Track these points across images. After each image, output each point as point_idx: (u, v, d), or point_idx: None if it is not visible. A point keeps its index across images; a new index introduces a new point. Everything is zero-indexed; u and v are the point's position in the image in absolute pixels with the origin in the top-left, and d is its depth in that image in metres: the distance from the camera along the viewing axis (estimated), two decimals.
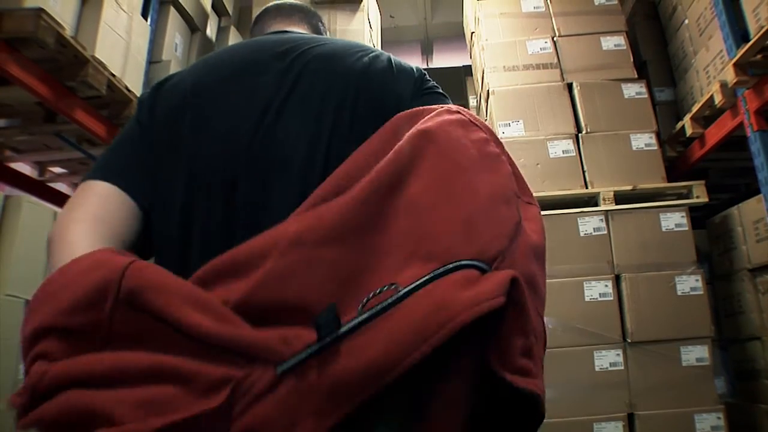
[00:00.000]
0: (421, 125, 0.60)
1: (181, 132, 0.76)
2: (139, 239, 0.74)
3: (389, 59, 0.84)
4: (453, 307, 0.43)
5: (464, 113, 0.64)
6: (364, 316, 0.45)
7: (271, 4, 1.08)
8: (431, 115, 0.63)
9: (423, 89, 0.82)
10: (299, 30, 0.98)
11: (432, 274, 0.47)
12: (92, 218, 0.69)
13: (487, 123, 3.40)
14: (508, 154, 0.64)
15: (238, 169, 0.73)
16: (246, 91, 0.78)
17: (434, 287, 0.46)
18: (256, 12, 3.33)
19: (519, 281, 0.47)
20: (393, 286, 0.47)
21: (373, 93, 0.78)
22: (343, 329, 0.44)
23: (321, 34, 1.06)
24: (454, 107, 0.65)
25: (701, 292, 2.40)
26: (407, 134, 0.59)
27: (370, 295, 0.47)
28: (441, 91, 0.84)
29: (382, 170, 0.56)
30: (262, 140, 0.74)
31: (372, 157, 0.61)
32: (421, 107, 0.67)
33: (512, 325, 0.47)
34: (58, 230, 0.68)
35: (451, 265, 0.47)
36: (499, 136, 2.41)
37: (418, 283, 0.46)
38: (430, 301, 0.45)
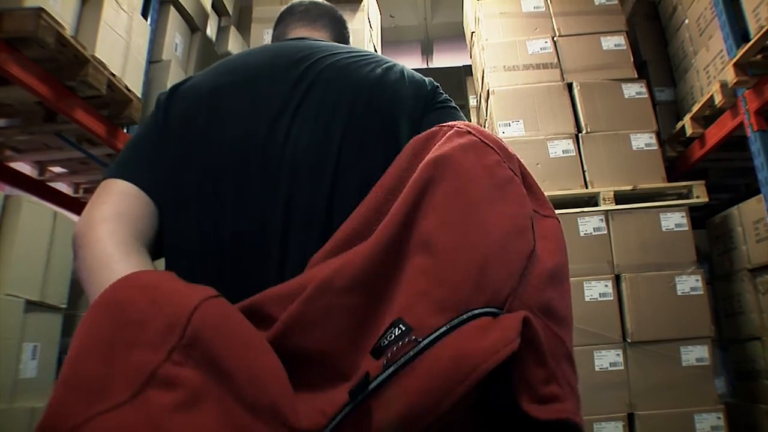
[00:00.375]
0: (432, 153, 0.61)
1: (195, 134, 0.78)
2: (156, 236, 0.76)
3: (402, 71, 0.85)
4: (474, 357, 0.46)
5: (475, 133, 0.64)
6: (390, 370, 0.47)
7: (298, 1, 1.06)
8: (443, 140, 0.63)
9: (435, 103, 0.82)
10: (320, 37, 0.98)
11: (448, 326, 0.49)
12: (116, 216, 0.70)
13: (487, 123, 3.35)
14: (521, 167, 0.65)
15: (249, 174, 0.74)
16: (260, 97, 0.79)
17: (452, 338, 0.49)
18: (256, 12, 3.33)
19: (530, 321, 0.50)
20: (412, 338, 0.49)
21: (384, 104, 0.78)
22: (372, 385, 0.46)
23: (345, 41, 1.05)
24: (464, 126, 0.65)
25: (701, 292, 2.40)
26: (420, 165, 0.60)
27: (386, 342, 0.49)
28: (453, 104, 0.84)
29: (399, 210, 0.57)
30: (273, 146, 0.75)
31: (392, 189, 0.62)
32: (434, 129, 0.67)
33: (529, 361, 0.50)
34: (85, 228, 0.69)
35: (465, 316, 0.50)
36: (499, 136, 2.39)
37: (436, 335, 0.49)
38: (451, 353, 0.47)
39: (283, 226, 0.71)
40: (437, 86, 0.86)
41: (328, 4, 1.09)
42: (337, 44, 0.92)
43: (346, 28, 1.08)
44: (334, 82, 0.79)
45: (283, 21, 1.05)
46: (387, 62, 0.86)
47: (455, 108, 0.84)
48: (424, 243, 0.55)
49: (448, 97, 0.86)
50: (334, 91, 0.78)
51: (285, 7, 1.08)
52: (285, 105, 0.77)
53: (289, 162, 0.73)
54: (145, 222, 0.73)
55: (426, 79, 0.86)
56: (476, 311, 0.50)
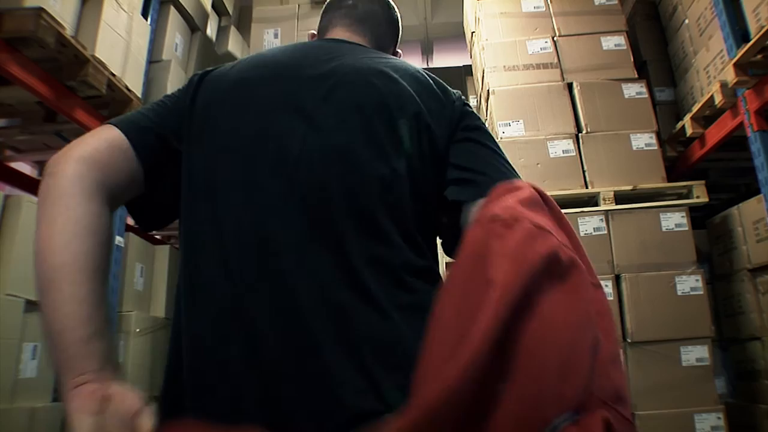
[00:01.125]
0: (495, 269, 0.56)
1: (217, 122, 0.79)
2: (128, 192, 0.77)
3: (430, 81, 0.85)
4: None
5: (524, 217, 0.60)
6: None
7: None
8: (497, 242, 0.58)
9: (464, 127, 0.82)
10: (359, 41, 0.96)
11: None
12: (92, 161, 0.72)
13: (487, 123, 3.33)
14: (568, 228, 0.63)
15: (258, 172, 0.74)
16: (281, 94, 0.79)
17: None
18: (256, 12, 3.33)
19: (611, 424, 0.50)
20: None
21: (406, 112, 0.78)
22: None
23: (388, 46, 1.02)
24: (507, 214, 0.61)
25: (701, 292, 2.40)
26: (488, 286, 0.55)
27: None
28: (481, 124, 0.84)
29: (481, 336, 0.52)
30: (289, 147, 0.75)
31: (459, 310, 0.57)
32: (479, 217, 0.63)
33: None
34: (58, 159, 0.71)
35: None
36: (499, 136, 2.40)
37: None
38: None
39: (293, 226, 0.71)
40: (465, 103, 0.86)
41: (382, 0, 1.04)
42: (369, 49, 0.92)
43: (395, 29, 1.05)
44: (358, 86, 0.79)
45: (327, 14, 1.02)
46: (413, 70, 0.86)
47: (485, 132, 0.83)
48: (503, 362, 0.52)
49: (477, 116, 0.85)
50: (356, 95, 0.78)
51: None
52: (305, 105, 0.78)
53: (305, 163, 0.73)
54: (120, 176, 0.74)
55: (454, 92, 0.86)
56: (555, 423, 0.49)
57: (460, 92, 0.87)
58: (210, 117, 0.79)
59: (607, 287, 2.43)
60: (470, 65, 4.05)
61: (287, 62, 0.84)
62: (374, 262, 0.70)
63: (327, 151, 0.74)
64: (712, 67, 2.68)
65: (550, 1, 3.06)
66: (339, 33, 0.98)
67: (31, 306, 2.11)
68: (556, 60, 2.92)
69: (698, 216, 2.79)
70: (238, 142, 0.76)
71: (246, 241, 0.71)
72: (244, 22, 3.78)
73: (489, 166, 0.78)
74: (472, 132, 0.82)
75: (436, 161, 0.79)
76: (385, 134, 0.76)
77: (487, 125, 3.62)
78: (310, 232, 0.70)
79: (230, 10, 3.70)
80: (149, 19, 2.74)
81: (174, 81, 2.82)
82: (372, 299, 0.67)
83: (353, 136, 0.75)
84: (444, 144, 0.80)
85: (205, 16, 3.30)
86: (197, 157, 0.78)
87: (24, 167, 3.05)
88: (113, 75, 2.31)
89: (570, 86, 2.85)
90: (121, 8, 2.39)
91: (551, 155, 2.71)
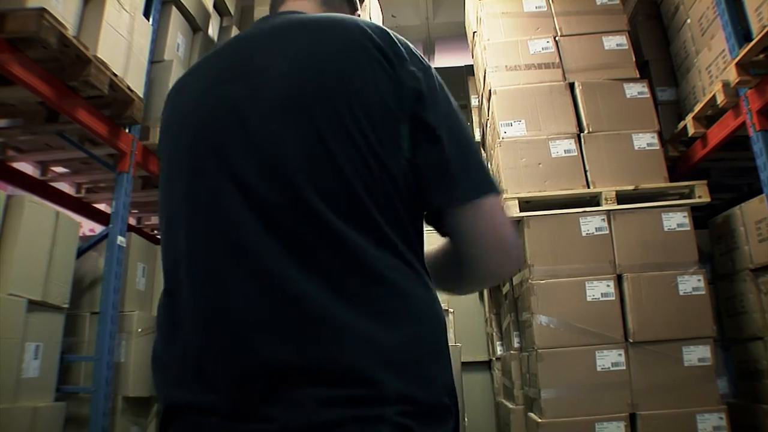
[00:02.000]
0: None
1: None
2: None
3: (367, 46, 0.72)
4: None
5: None
6: None
7: None
8: None
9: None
10: (307, 8, 0.87)
11: None
12: None
13: (489, 123, 3.35)
14: None
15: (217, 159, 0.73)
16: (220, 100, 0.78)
17: None
18: (257, 12, 3.33)
19: None
20: None
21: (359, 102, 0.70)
22: None
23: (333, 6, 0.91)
24: None
25: (703, 292, 2.40)
26: None
27: None
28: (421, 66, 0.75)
29: None
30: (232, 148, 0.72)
31: None
32: None
33: None
34: None
35: None
36: (501, 136, 2.42)
37: None
38: None
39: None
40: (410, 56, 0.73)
41: None
42: (316, 19, 0.78)
43: None
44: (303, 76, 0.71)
45: None
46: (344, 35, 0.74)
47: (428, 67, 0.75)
48: None
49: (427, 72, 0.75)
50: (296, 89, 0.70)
51: None
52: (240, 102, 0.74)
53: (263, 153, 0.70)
54: None
55: (399, 44, 0.75)
56: None
57: (392, 36, 0.76)
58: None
59: (609, 287, 2.43)
60: (472, 65, 4.06)
61: (239, 61, 0.80)
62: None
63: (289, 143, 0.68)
64: (714, 66, 2.68)
65: (552, 1, 3.07)
66: (289, 6, 0.88)
67: (33, 306, 2.12)
68: (557, 60, 2.92)
69: (700, 216, 2.79)
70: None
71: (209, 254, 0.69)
72: (245, 21, 3.78)
73: None
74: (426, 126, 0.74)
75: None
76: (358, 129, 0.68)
77: (489, 125, 3.59)
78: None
79: (232, 10, 3.70)
80: (151, 19, 2.74)
81: (176, 81, 2.82)
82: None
83: (312, 133, 0.68)
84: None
85: (207, 16, 3.31)
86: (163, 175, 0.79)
87: (26, 167, 3.06)
88: (115, 75, 2.31)
89: (572, 86, 2.85)
90: (123, 8, 2.39)
91: (553, 155, 2.71)
